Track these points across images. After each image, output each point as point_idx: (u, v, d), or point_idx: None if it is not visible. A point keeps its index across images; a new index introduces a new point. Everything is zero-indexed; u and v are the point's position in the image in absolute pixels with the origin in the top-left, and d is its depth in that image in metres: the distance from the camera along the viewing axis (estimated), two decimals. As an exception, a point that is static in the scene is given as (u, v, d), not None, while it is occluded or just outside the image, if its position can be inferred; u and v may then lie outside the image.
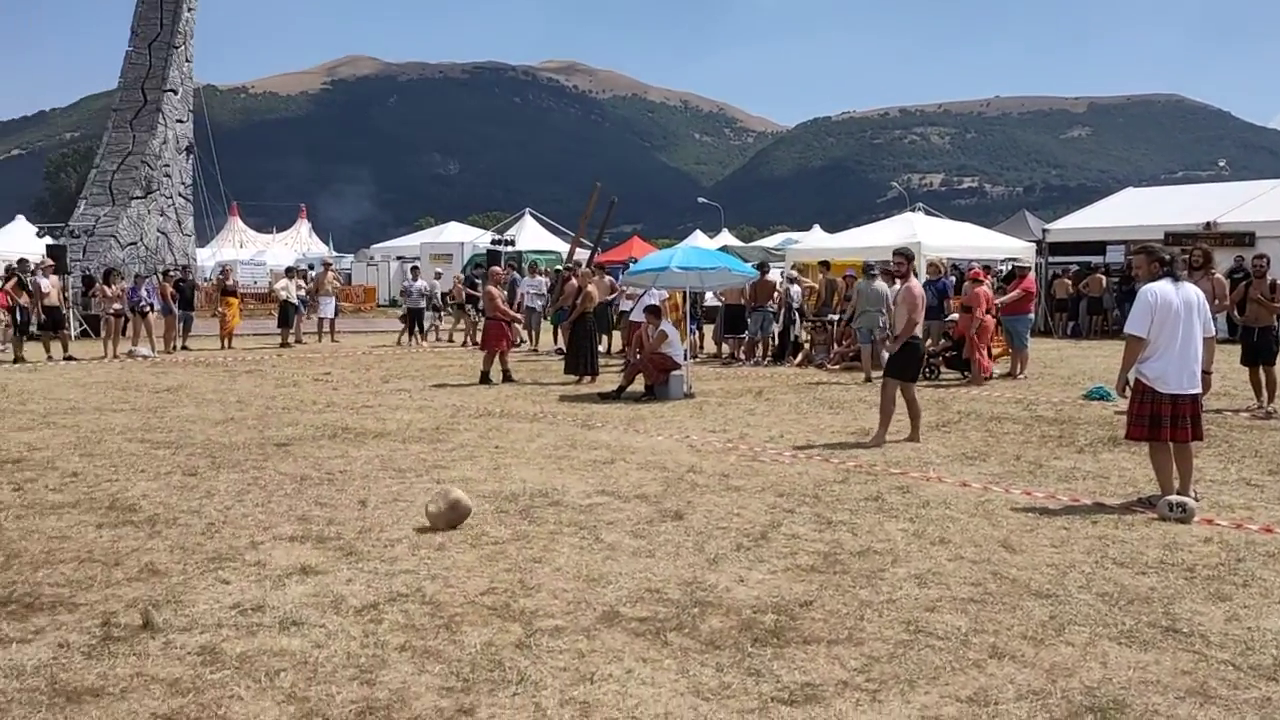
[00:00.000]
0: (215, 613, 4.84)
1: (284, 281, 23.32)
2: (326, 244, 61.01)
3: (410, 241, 48.37)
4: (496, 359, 15.04)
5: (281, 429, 10.47)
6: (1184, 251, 11.48)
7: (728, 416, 11.57)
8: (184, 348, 21.00)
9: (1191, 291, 6.98)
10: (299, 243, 61.30)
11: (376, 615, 4.80)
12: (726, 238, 49.32)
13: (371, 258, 49.33)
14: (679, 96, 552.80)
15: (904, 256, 10.26)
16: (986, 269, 19.70)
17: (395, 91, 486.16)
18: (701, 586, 5.25)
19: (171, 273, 22.94)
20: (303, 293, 23.27)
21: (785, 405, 12.45)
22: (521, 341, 21.77)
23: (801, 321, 18.81)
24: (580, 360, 15.35)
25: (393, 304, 35.93)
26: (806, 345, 18.48)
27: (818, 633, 4.59)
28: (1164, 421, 6.81)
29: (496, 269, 18.05)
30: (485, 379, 14.70)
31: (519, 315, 17.86)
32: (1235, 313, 11.91)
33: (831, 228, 45.38)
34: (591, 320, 15.80)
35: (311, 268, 27.53)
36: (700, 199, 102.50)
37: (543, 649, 4.38)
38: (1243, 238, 22.27)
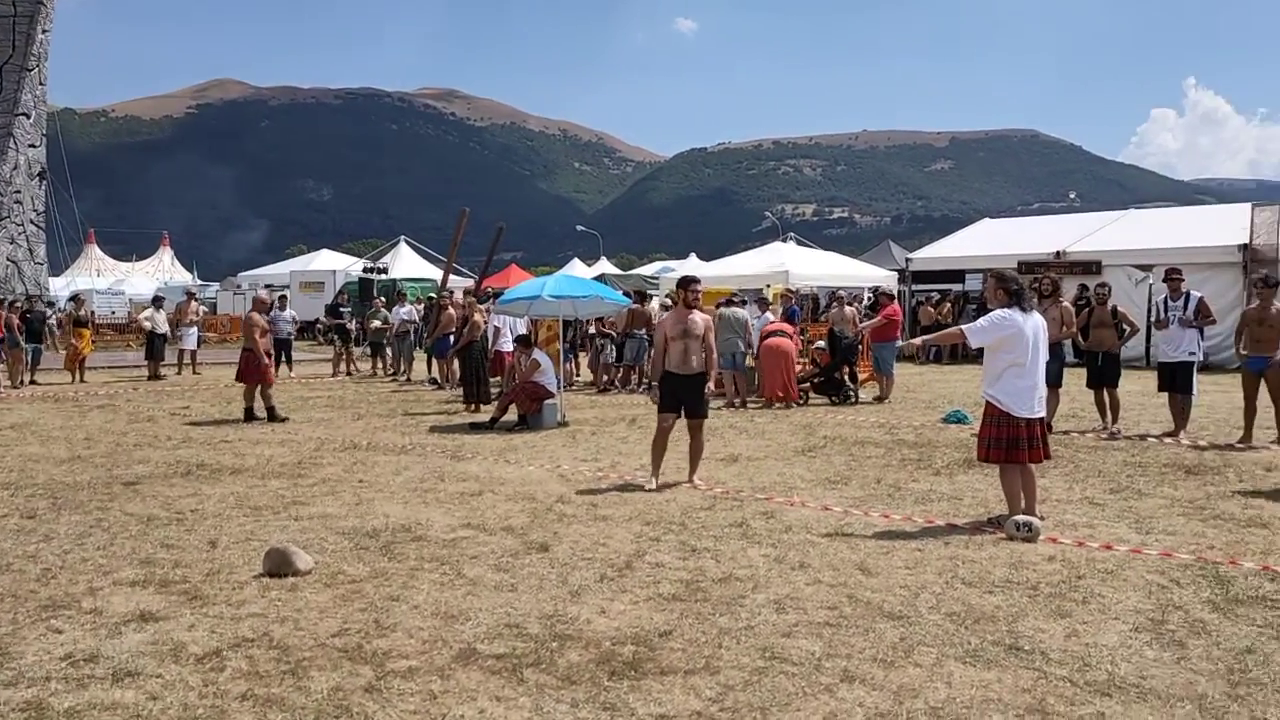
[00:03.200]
0: (44, 665, 4.57)
1: (149, 311, 22.52)
2: (190, 272, 59.04)
3: (280, 270, 47.25)
4: (259, 392, 13.97)
5: (131, 467, 10.02)
6: (1034, 280, 12.05)
7: (600, 445, 11.55)
8: (32, 382, 19.97)
9: (1038, 320, 7.30)
10: (161, 271, 59.24)
11: (218, 663, 4.60)
12: (605, 266, 49.56)
13: (239, 286, 47.89)
14: (558, 126, 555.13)
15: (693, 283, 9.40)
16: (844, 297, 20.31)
17: (266, 116, 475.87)
18: (562, 619, 5.20)
19: (18, 303, 21.81)
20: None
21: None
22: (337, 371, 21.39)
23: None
24: (473, 388, 15.31)
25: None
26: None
27: (675, 663, 4.58)
28: (1022, 444, 7.08)
29: (261, 295, 16.28)
30: (250, 415, 13.86)
31: (268, 351, 14.45)
32: (1080, 338, 12.45)
33: (709, 256, 46.01)
34: (479, 348, 15.67)
35: (183, 297, 26.47)
36: (579, 227, 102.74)
37: (393, 692, 4.25)
38: (1090, 266, 23.39)
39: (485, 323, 16.30)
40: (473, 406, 15.08)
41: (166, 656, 4.68)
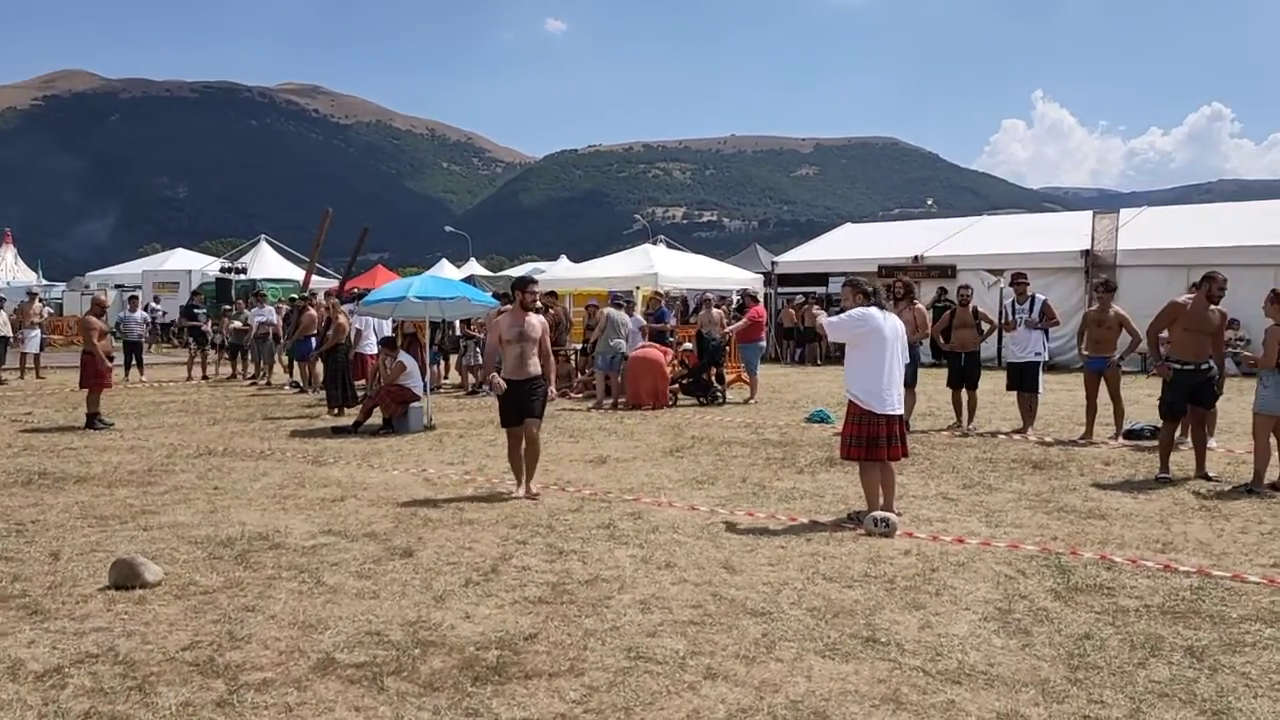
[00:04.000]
0: None
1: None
2: (35, 271, 55.99)
3: (132, 269, 45.27)
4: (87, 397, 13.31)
5: (-35, 477, 9.44)
6: (889, 284, 12.43)
7: (467, 448, 11.41)
8: None
9: (897, 321, 7.54)
10: (3, 270, 55.96)
11: (59, 680, 4.37)
12: (474, 267, 49.05)
13: (87, 286, 45.63)
14: (426, 125, 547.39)
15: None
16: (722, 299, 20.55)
17: (116, 109, 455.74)
18: (426, 626, 5.12)
19: None
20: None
21: (525, 435, 12.41)
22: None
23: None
24: (337, 392, 14.96)
25: (114, 335, 33.32)
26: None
27: (540, 666, 4.56)
28: (881, 442, 7.28)
29: (100, 295, 15.37)
30: (92, 422, 13.16)
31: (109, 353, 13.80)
32: (941, 339, 12.91)
33: (579, 258, 46.00)
34: (344, 351, 15.27)
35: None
36: (448, 228, 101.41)
37: (247, 705, 4.11)
38: (946, 270, 24.32)
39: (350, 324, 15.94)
40: (336, 410, 14.74)
41: (3, 674, 4.42)
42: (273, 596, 5.60)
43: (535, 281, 9.20)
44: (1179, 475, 9.10)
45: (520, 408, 8.51)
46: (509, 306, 17.57)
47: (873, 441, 7.28)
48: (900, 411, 7.53)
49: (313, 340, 17.55)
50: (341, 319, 15.35)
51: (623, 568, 6.21)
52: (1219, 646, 4.78)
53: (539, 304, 9.23)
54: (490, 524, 7.45)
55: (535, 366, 8.56)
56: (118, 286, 40.57)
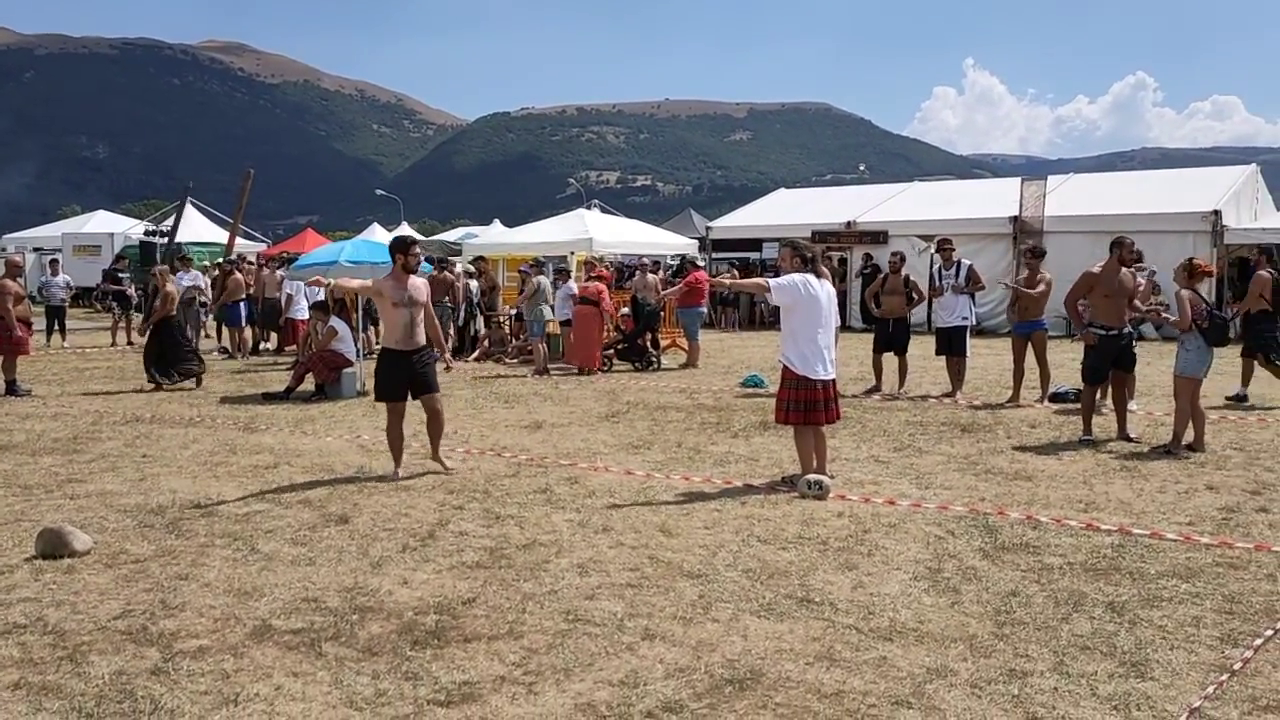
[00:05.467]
0: None
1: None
2: (-53, 234, 54.07)
3: (51, 232, 43.86)
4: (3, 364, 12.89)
5: (-121, 446, 9.15)
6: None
7: (401, 414, 11.30)
8: None
9: (830, 287, 7.62)
10: (-88, 232, 53.92)
11: (-14, 652, 4.29)
12: (407, 231, 48.33)
13: (3, 249, 44.19)
14: (354, 85, 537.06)
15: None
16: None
17: (32, 66, 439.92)
18: (363, 592, 5.11)
19: None
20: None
21: (461, 400, 12.35)
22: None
23: (481, 316, 18.87)
24: (152, 368, 13.56)
25: (34, 300, 32.32)
26: (484, 340, 18.48)
27: (479, 630, 4.58)
28: (819, 406, 7.38)
29: (15, 258, 14.79)
30: (12, 389, 12.84)
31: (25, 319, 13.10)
32: (873, 305, 13.07)
33: (513, 222, 45.50)
34: (177, 325, 14.23)
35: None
36: (379, 191, 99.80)
37: (182, 673, 4.08)
38: (878, 236, 24.59)
39: (179, 292, 15.05)
40: (154, 385, 13.49)
41: (-76, 649, 4.33)
42: (206, 564, 5.54)
43: (416, 242, 8.47)
44: (1101, 437, 9.37)
45: (409, 381, 7.96)
46: (439, 273, 17.53)
47: (810, 406, 7.37)
48: (834, 376, 7.64)
49: (240, 305, 17.19)
50: (170, 288, 14.37)
51: (560, 532, 6.24)
52: (1138, 601, 4.96)
53: (461, 270, 9.05)
54: (426, 490, 7.43)
55: (423, 335, 8.02)
56: (36, 249, 39.40)
